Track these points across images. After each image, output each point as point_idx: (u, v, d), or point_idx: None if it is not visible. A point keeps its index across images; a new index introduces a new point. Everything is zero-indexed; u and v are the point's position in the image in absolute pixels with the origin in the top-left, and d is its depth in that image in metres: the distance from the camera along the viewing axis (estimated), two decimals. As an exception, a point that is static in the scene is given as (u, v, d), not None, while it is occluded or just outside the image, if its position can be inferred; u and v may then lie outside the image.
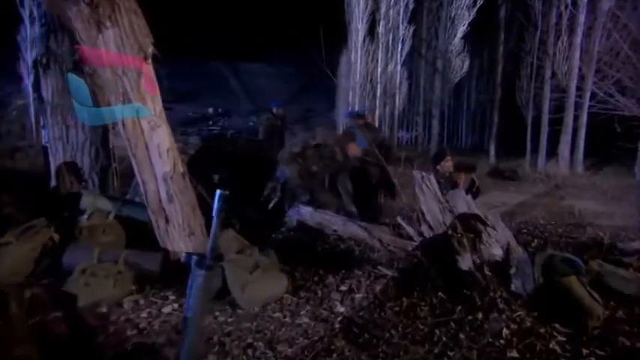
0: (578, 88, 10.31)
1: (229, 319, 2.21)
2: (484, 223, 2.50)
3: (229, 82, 40.56)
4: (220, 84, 39.33)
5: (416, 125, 24.62)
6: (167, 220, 2.74)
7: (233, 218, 3.14)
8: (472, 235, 2.47)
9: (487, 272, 2.41)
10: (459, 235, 2.46)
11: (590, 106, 9.81)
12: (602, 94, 7.99)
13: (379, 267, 2.75)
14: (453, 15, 18.33)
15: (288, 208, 4.12)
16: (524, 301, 2.30)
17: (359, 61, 20.45)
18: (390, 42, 20.32)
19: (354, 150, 4.35)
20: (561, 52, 10.55)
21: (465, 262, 2.43)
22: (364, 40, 20.27)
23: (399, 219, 2.72)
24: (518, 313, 2.21)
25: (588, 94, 10.01)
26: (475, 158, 14.97)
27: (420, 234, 2.66)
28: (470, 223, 2.50)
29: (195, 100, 35.44)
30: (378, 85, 20.30)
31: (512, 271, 2.41)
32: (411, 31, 20.01)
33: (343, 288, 2.64)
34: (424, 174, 2.69)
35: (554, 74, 11.14)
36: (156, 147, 2.66)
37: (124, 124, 2.59)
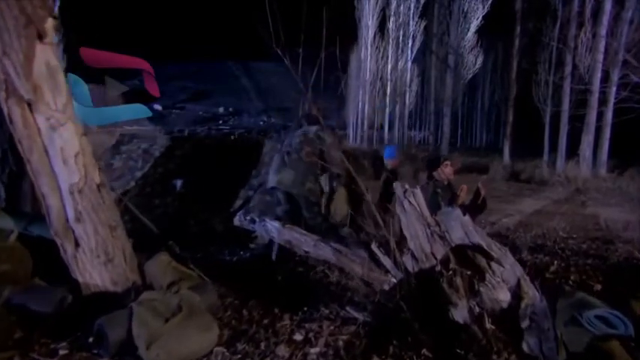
0: (606, 76, 9.28)
1: (125, 391, 1.60)
2: (487, 256, 1.82)
3: (242, 81, 40.43)
4: (234, 83, 39.21)
5: (427, 124, 23.81)
6: (76, 244, 2.15)
7: (171, 239, 2.50)
8: (469, 274, 1.79)
9: (489, 325, 1.74)
10: (451, 273, 1.78)
11: (620, 100, 8.83)
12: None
13: (347, 308, 2.09)
14: (465, 8, 17.52)
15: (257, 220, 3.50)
16: (542, 372, 1.62)
17: (369, 59, 19.84)
18: (401, 38, 19.65)
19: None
20: (584, 43, 9.65)
21: (459, 310, 1.76)
22: (374, 37, 19.66)
23: (373, 246, 2.07)
24: (532, 392, 1.54)
25: (614, 89, 9.10)
26: (489, 159, 14.13)
27: (401, 268, 2.00)
28: (467, 256, 1.83)
29: (209, 99, 35.40)
30: (389, 83, 19.64)
31: (525, 324, 1.72)
32: (422, 26, 19.30)
33: (298, 337, 2.00)
34: (407, 187, 2.02)
35: (575, 68, 10.23)
36: (58, 151, 2.07)
37: (11, 121, 2.00)
